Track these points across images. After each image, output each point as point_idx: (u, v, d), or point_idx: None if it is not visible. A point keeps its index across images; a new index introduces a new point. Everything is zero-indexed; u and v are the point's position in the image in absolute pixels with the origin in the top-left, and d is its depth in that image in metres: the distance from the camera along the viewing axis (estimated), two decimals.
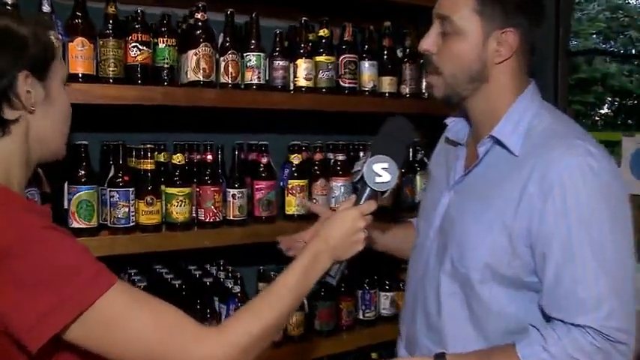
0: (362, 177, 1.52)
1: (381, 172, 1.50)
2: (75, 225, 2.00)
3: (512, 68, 1.51)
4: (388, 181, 1.50)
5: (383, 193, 1.52)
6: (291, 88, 2.38)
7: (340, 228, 1.48)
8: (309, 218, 2.34)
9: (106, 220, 2.09)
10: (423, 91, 2.77)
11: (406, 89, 2.70)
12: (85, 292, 1.12)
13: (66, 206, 2.02)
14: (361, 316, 2.66)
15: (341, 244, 1.47)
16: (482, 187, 1.52)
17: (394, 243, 1.90)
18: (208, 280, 2.31)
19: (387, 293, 2.71)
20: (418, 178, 2.71)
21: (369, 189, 1.51)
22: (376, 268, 2.71)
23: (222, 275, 2.42)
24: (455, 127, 1.68)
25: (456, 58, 1.50)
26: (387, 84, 2.63)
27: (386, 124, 1.60)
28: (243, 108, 2.21)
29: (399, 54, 2.75)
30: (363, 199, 1.52)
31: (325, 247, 1.45)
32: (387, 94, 2.63)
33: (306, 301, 2.49)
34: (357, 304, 2.66)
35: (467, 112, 1.60)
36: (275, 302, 1.36)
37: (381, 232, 1.85)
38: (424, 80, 1.62)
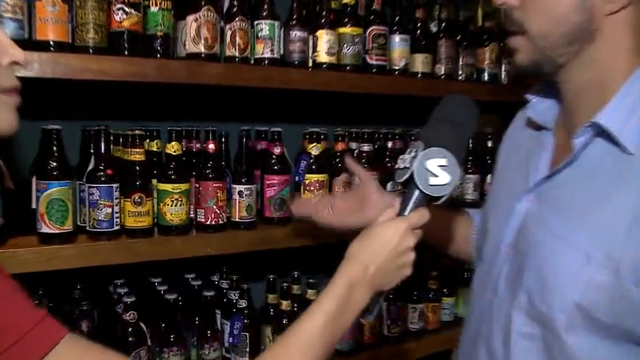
0: (411, 177, 1.12)
1: (438, 170, 1.10)
2: (45, 230, 1.59)
3: (631, 24, 1.08)
4: (447, 184, 1.11)
5: (437, 199, 1.12)
6: (310, 64, 1.96)
7: (382, 248, 1.09)
8: None
9: (85, 223, 1.68)
10: (460, 72, 2.36)
11: (441, 69, 2.29)
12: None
13: (34, 206, 1.61)
14: (386, 332, 2.27)
15: (384, 270, 1.08)
16: (575, 196, 1.11)
17: (441, 232, 1.50)
18: (209, 294, 1.91)
19: (416, 305, 2.33)
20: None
21: (418, 193, 1.12)
22: None
23: (225, 286, 2.02)
24: (540, 105, 1.26)
25: (547, 8, 1.09)
26: (420, 62, 2.22)
27: (443, 106, 1.20)
28: (253, 87, 1.80)
29: (433, 28, 2.33)
30: (410, 207, 1.13)
31: (363, 277, 1.07)
32: (419, 75, 2.21)
33: None
34: (382, 319, 2.26)
35: (558, 88, 1.19)
36: (296, 355, 0.97)
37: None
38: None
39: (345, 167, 1.99)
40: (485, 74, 2.45)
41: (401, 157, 1.18)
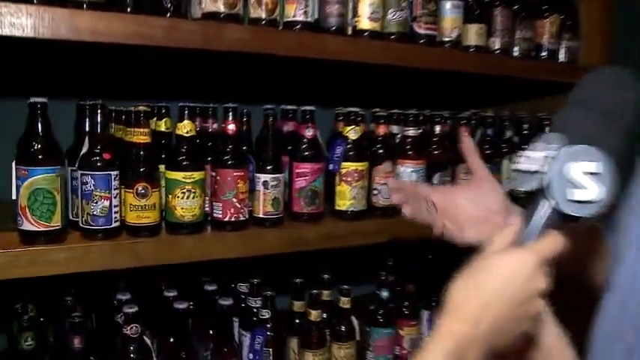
0: (544, 186, 0.78)
1: (584, 180, 0.76)
2: (27, 227, 1.28)
3: None
4: (595, 201, 0.77)
5: (576, 219, 0.78)
6: (350, 31, 1.62)
7: (499, 295, 0.76)
8: (370, 216, 1.62)
9: (77, 218, 1.36)
10: (515, 47, 2.01)
11: (496, 43, 1.94)
12: None
13: (14, 197, 1.29)
14: None
15: (501, 326, 0.75)
16: None
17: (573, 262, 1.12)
18: (226, 302, 1.58)
19: None
20: (505, 164, 1.97)
21: (552, 210, 0.78)
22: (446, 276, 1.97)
23: (244, 292, 1.71)
24: None
25: None
26: (473, 34, 1.87)
27: (588, 85, 0.85)
28: (282, 57, 1.46)
29: None
30: (538, 230, 0.79)
31: (473, 338, 0.74)
32: (472, 48, 1.86)
33: (357, 327, 1.78)
34: (423, 330, 1.94)
35: None
36: None
37: None
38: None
39: (387, 154, 1.67)
40: (544, 50, 2.09)
41: (525, 153, 0.83)
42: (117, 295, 1.53)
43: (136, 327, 1.46)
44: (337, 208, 1.66)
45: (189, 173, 1.41)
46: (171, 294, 1.56)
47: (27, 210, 1.28)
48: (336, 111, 1.83)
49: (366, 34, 1.62)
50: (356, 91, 2.03)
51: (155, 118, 1.56)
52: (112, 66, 1.65)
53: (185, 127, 1.42)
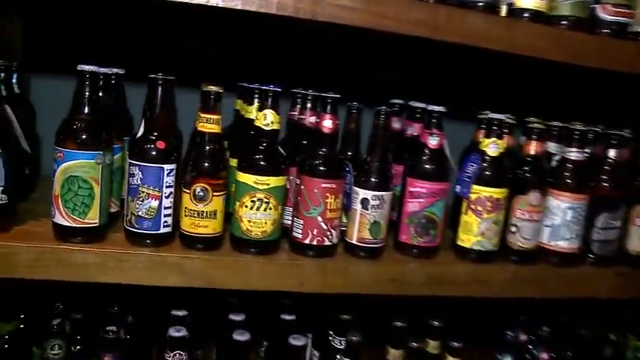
0: None
1: None
2: (59, 220, 1.02)
3: None
4: None
5: None
6: (504, 11, 1.18)
7: None
8: (502, 260, 1.19)
9: (118, 216, 1.08)
10: None
11: None
12: None
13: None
14: None
15: None
16: None
17: None
18: (299, 342, 1.23)
19: None
20: None
21: None
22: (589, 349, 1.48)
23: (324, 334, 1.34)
24: None
25: None
26: None
27: None
28: (405, 37, 1.06)
29: None
30: None
31: None
32: None
33: None
34: None
35: None
36: None
37: None
38: None
39: (535, 181, 1.21)
40: None
41: None
42: (164, 314, 1.24)
43: (181, 354, 1.15)
44: (459, 243, 1.23)
45: (263, 178, 1.06)
46: (237, 318, 1.24)
47: (59, 200, 1.01)
48: (479, 116, 1.39)
49: (526, 15, 1.17)
50: (507, 93, 1.57)
51: (239, 100, 1.24)
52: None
53: (265, 117, 1.08)
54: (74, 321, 1.24)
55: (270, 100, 1.08)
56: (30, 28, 1.42)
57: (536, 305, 1.47)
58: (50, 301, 1.25)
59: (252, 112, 1.20)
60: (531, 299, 1.25)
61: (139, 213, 1.04)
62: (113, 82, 1.18)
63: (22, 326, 1.23)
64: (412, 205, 1.19)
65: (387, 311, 1.37)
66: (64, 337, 1.20)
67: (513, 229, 1.25)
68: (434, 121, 1.19)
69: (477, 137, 1.38)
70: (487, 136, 1.21)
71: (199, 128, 1.07)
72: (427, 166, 1.18)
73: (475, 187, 1.20)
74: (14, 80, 1.24)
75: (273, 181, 1.07)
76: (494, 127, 1.20)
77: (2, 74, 1.19)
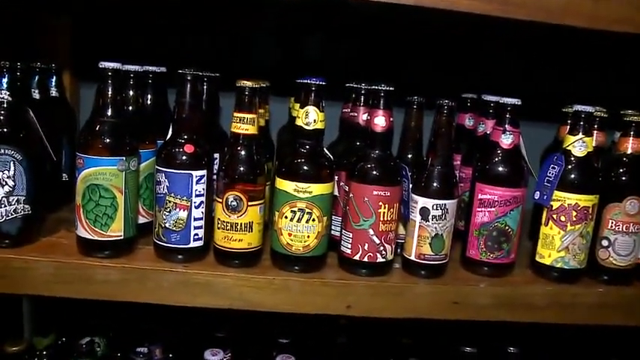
0: None
1: None
2: (81, 232, 0.90)
3: None
4: None
5: None
6: None
7: None
8: (592, 280, 0.96)
9: (147, 229, 0.95)
10: None
11: None
12: None
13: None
14: None
15: None
16: None
17: None
18: None
19: None
20: None
21: None
22: None
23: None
24: None
25: None
26: None
27: None
28: (461, 14, 0.86)
29: None
30: None
31: None
32: None
33: None
34: None
35: None
36: None
37: None
38: None
39: (634, 186, 0.97)
40: None
41: None
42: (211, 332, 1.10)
43: None
44: (538, 260, 1.01)
45: (305, 185, 0.90)
46: (282, 340, 1.08)
47: (81, 211, 0.89)
48: (563, 109, 1.17)
49: None
50: (596, 82, 1.32)
51: (295, 100, 1.09)
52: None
53: (307, 115, 0.91)
54: (108, 338, 1.12)
55: (312, 95, 0.91)
56: (79, 29, 1.33)
57: (631, 335, 1.22)
58: (89, 314, 1.14)
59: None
60: (625, 328, 1.01)
61: (167, 225, 0.90)
62: (150, 80, 1.05)
63: (59, 341, 1.13)
64: (482, 215, 0.98)
65: (453, 333, 1.17)
66: (94, 356, 1.09)
67: (605, 243, 1.01)
68: (508, 116, 0.98)
69: (560, 135, 1.17)
70: (572, 133, 0.98)
71: (232, 129, 0.91)
72: (499, 169, 0.98)
73: (558, 193, 0.97)
74: (53, 83, 1.14)
75: (317, 189, 0.90)
76: (581, 122, 0.97)
77: (37, 77, 1.09)
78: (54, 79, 1.14)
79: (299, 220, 0.91)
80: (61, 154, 1.09)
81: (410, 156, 1.05)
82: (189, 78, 0.90)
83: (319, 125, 0.92)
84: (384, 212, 0.92)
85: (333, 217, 1.00)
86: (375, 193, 0.92)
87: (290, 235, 0.92)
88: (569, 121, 1.04)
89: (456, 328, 1.02)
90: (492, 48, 1.40)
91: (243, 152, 0.91)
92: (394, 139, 0.96)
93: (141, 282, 0.88)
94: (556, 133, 1.24)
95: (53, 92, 1.13)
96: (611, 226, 1.00)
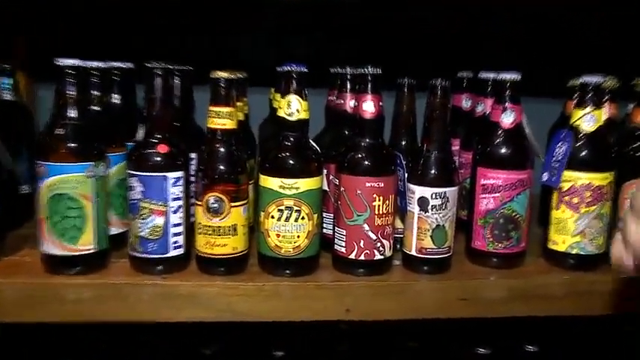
0: None
1: None
2: (47, 248, 0.88)
3: None
4: None
5: None
6: None
7: None
8: (601, 266, 0.95)
9: (121, 240, 0.94)
10: None
11: None
12: None
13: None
14: None
15: None
16: None
17: None
18: None
19: None
20: None
21: None
22: None
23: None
24: None
25: None
26: None
27: None
28: None
29: None
30: None
31: None
32: None
33: None
34: None
35: None
36: None
37: None
38: None
39: None
40: None
41: None
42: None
43: None
44: (551, 247, 1.01)
45: (291, 180, 0.89)
46: (277, 353, 1.07)
47: (45, 224, 0.87)
48: (570, 83, 1.16)
49: None
50: (603, 51, 1.31)
51: (275, 90, 1.08)
52: None
53: (289, 105, 0.90)
54: None
55: (294, 82, 0.90)
56: (36, 26, 1.32)
57: None
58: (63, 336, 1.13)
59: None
60: None
61: (143, 233, 0.89)
62: (116, 78, 1.04)
63: None
64: (486, 202, 0.98)
65: (463, 333, 1.16)
66: None
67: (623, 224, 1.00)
68: (507, 93, 0.97)
69: (567, 110, 1.15)
70: (580, 106, 0.98)
71: (209, 125, 0.90)
72: (502, 151, 0.97)
73: (568, 173, 0.97)
74: (7, 85, 1.12)
75: (305, 184, 0.90)
76: (589, 94, 0.97)
77: None
78: (8, 81, 1.13)
79: (287, 220, 0.90)
80: (18, 163, 1.08)
81: (404, 143, 1.04)
82: (159, 72, 0.89)
83: (303, 115, 0.91)
84: (378, 205, 0.91)
85: (325, 214, 1.00)
86: (367, 184, 0.91)
87: (278, 236, 0.91)
88: (576, 95, 1.04)
89: (466, 327, 1.01)
90: (489, 20, 1.39)
91: (222, 149, 0.89)
92: (385, 125, 0.96)
93: (118, 298, 0.87)
94: (563, 109, 1.23)
95: (7, 95, 1.12)
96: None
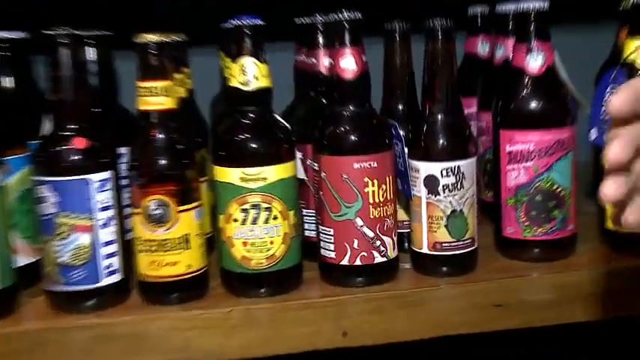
0: None
1: None
2: None
3: None
4: None
5: None
6: None
7: None
8: None
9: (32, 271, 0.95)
10: None
11: None
12: None
13: None
14: None
15: None
16: None
17: None
18: None
19: None
20: None
21: None
22: None
23: None
24: None
25: None
26: None
27: None
28: None
29: None
30: None
31: None
32: None
33: None
34: None
35: None
36: None
37: None
38: None
39: None
40: None
41: None
42: None
43: None
44: (611, 227, 0.99)
45: (255, 170, 0.87)
46: None
47: None
48: (622, 5, 1.14)
49: None
50: None
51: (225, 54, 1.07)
52: None
53: (244, 72, 0.88)
54: None
55: (247, 41, 0.88)
56: None
57: None
58: None
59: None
60: None
61: (63, 259, 0.87)
62: (5, 53, 1.02)
63: None
64: (516, 175, 0.96)
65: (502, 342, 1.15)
66: None
67: None
68: (533, 27, 0.95)
69: (618, 42, 1.13)
70: (634, 35, 0.96)
71: (140, 106, 0.88)
72: (531, 105, 0.95)
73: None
74: None
75: (273, 173, 0.87)
76: None
77: None
78: None
79: (254, 222, 0.88)
80: None
81: (400, 108, 1.04)
82: (64, 40, 0.87)
83: (263, 83, 0.88)
84: (373, 191, 0.89)
85: (305, 210, 0.99)
86: (356, 166, 0.88)
87: (245, 244, 0.88)
88: (628, 22, 1.01)
89: (502, 336, 1.00)
90: None
91: (160, 137, 0.87)
92: (375, 87, 0.95)
93: (37, 351, 0.85)
94: (614, 42, 1.21)
95: None
96: None
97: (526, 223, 0.97)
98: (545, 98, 0.95)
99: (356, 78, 0.90)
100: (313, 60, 1.02)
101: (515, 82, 0.96)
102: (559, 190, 0.96)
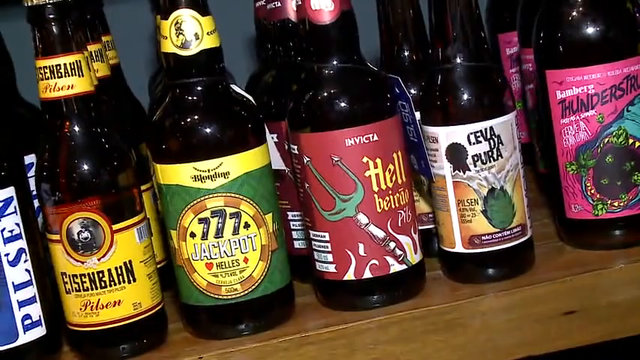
0: None
1: None
2: None
3: None
4: None
5: None
6: None
7: None
8: None
9: None
10: None
11: None
12: None
13: None
14: None
15: None
16: None
17: None
18: None
19: None
20: None
21: None
22: None
23: None
24: None
25: None
26: None
27: None
28: None
29: None
30: None
31: None
32: None
33: None
34: None
35: None
36: None
37: None
38: None
39: None
40: None
41: None
42: None
43: None
44: None
45: (211, 163, 0.90)
46: None
47: None
48: None
49: None
50: None
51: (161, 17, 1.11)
52: None
53: (182, 29, 0.91)
54: None
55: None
56: None
57: None
58: None
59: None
60: None
61: None
62: None
63: None
64: (574, 131, 0.99)
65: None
66: None
67: None
68: None
69: None
70: None
71: (42, 95, 0.91)
72: (586, 30, 0.98)
73: None
74: None
75: (237, 164, 0.91)
76: None
77: None
78: None
79: (219, 234, 0.91)
80: None
81: (404, 55, 1.06)
82: None
83: (208, 43, 0.91)
84: (376, 175, 0.93)
85: (290, 213, 1.03)
86: (349, 143, 0.91)
87: (210, 266, 0.92)
88: None
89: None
90: None
91: (75, 132, 0.91)
92: (369, 31, 0.98)
93: None
94: None
95: None
96: None
97: (597, 197, 1.00)
98: (603, 19, 0.98)
99: (334, 20, 0.93)
100: (277, 4, 1.04)
101: (560, 3, 0.99)
102: (637, 144, 0.97)
